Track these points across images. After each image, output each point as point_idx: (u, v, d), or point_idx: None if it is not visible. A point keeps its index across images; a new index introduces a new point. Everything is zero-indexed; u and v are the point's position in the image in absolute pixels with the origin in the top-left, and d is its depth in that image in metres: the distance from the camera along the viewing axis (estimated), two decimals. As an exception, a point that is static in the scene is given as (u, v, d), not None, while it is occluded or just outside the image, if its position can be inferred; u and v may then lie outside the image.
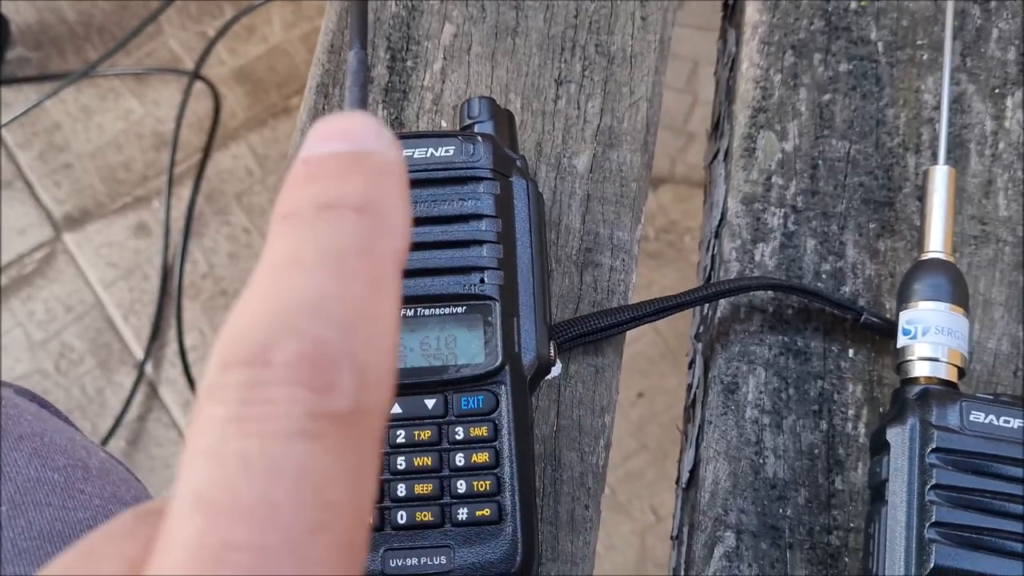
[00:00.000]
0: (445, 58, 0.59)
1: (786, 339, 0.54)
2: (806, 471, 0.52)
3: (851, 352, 0.54)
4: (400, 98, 0.58)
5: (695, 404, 0.55)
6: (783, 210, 0.56)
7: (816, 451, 0.52)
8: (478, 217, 0.48)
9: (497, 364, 0.46)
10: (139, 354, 1.43)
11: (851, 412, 0.53)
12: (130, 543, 0.22)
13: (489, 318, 0.47)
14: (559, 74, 0.58)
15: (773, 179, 0.57)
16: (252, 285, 0.21)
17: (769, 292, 0.54)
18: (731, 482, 0.52)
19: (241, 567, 0.18)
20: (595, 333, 0.53)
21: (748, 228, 0.56)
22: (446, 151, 0.49)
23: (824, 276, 0.55)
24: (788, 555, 0.51)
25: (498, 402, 0.46)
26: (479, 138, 0.49)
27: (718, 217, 0.58)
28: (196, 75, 1.52)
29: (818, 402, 0.53)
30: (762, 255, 0.56)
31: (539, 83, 0.58)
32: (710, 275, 0.57)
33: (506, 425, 0.45)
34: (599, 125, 0.58)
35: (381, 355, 0.21)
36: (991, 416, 0.46)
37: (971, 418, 0.46)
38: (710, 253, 0.58)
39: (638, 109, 0.58)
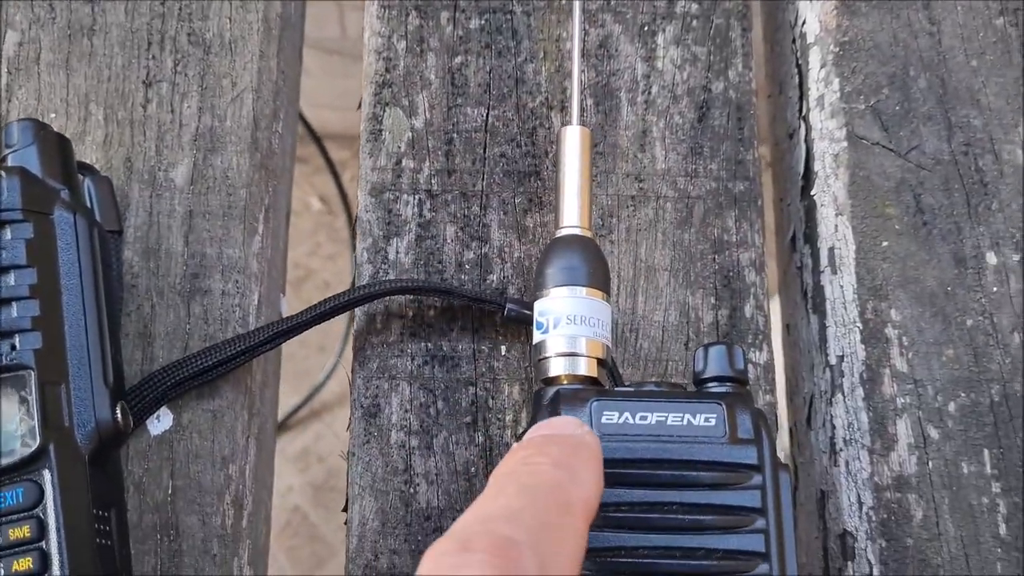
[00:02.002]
0: (10, 72, 0.50)
1: (430, 345, 0.47)
2: (463, 494, 0.46)
3: (503, 350, 0.47)
4: (-41, 127, 0.49)
5: (353, 429, 0.49)
6: (417, 197, 0.49)
7: (473, 469, 0.46)
8: (4, 270, 0.40)
9: (36, 447, 0.38)
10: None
11: (509, 418, 0.47)
12: None
13: (23, 392, 0.39)
14: (147, 74, 0.50)
15: (403, 162, 0.50)
16: (468, 510, 0.30)
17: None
18: (379, 520, 0.45)
19: None
20: (204, 374, 0.45)
21: (379, 223, 0.49)
22: (-38, 195, 0.41)
23: (468, 266, 0.48)
24: (456, 591, 0.45)
25: (42, 492, 0.38)
26: (3, 173, 0.41)
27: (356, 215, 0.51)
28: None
29: (471, 412, 0.47)
30: (397, 252, 0.49)
31: (124, 87, 0.50)
32: (353, 282, 0.50)
33: (54, 518, 0.38)
34: (198, 128, 0.50)
35: (564, 556, 0.29)
36: (625, 414, 0.40)
37: (603, 420, 0.40)
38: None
39: (242, 103, 0.50)
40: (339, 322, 1.21)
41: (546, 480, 0.31)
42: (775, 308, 0.53)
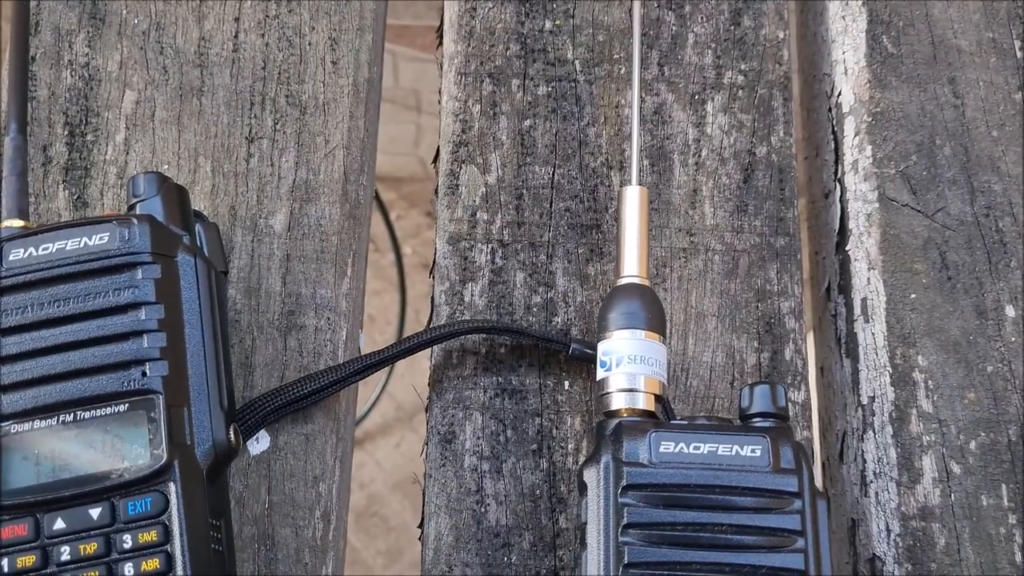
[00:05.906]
0: (128, 128, 0.56)
1: (501, 379, 0.53)
2: (529, 514, 0.51)
3: (567, 384, 0.53)
4: (82, 176, 0.55)
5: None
6: (490, 246, 0.55)
7: (538, 492, 0.51)
8: (136, 306, 0.45)
9: (163, 462, 0.44)
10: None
11: (571, 446, 0.52)
12: None
13: (152, 413, 0.44)
14: (250, 131, 0.56)
15: (478, 215, 0.55)
16: None
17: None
18: (453, 536, 0.50)
19: None
20: (299, 401, 0.51)
21: (456, 269, 0.55)
22: (100, 239, 0.46)
23: (535, 309, 0.54)
24: (520, 602, 0.50)
25: (168, 502, 0.43)
26: (135, 220, 0.47)
27: (432, 260, 0.56)
28: None
29: (537, 440, 0.52)
30: (472, 295, 0.54)
31: (229, 143, 0.56)
32: (430, 321, 0.55)
33: (177, 525, 0.43)
34: (295, 180, 0.55)
35: None
36: (680, 444, 0.45)
37: (661, 449, 0.45)
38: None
39: (334, 158, 0.56)
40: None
41: None
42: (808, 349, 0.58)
